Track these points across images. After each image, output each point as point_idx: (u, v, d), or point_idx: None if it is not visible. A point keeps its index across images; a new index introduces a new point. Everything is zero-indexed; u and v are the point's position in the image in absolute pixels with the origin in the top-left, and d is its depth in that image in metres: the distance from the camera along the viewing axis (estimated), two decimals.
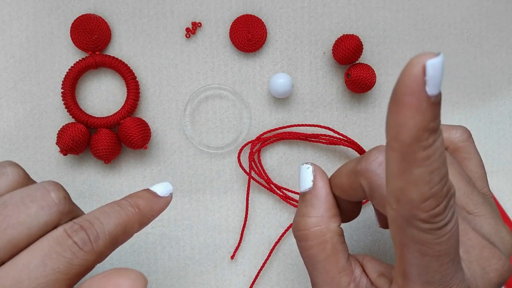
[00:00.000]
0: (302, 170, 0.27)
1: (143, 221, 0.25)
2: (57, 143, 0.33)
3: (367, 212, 0.36)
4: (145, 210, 0.25)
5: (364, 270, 0.26)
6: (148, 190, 0.26)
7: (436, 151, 0.19)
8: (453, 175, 0.26)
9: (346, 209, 0.28)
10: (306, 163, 0.27)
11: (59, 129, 0.34)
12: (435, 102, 0.18)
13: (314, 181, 0.27)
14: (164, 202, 0.26)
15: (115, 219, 0.23)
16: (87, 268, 0.22)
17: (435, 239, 0.20)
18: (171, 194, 0.26)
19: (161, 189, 0.26)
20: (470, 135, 0.29)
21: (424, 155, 0.18)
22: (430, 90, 0.17)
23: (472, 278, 0.23)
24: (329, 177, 0.28)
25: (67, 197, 0.23)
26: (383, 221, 0.28)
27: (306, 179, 0.27)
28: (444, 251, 0.21)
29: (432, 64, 0.17)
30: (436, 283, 0.22)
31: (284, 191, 0.36)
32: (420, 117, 0.18)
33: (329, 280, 0.26)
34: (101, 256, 0.23)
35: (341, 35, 0.35)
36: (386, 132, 0.19)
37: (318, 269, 0.26)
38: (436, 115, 0.18)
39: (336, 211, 0.27)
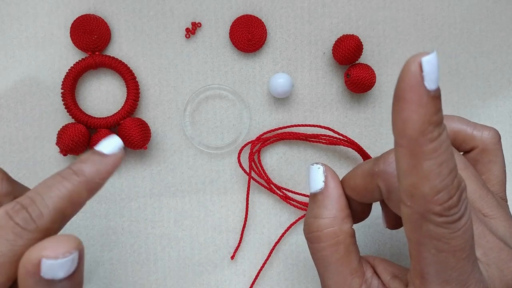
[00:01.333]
0: (313, 170, 0.27)
1: (91, 188, 0.23)
2: (57, 144, 0.33)
3: None
4: (91, 175, 0.23)
5: (375, 272, 0.26)
6: (92, 151, 0.23)
7: (442, 143, 0.20)
8: (469, 178, 0.26)
9: (356, 210, 0.28)
10: (316, 163, 0.27)
11: (59, 129, 0.34)
12: (435, 96, 0.19)
13: (325, 182, 0.26)
14: (113, 160, 0.23)
15: (58, 192, 0.22)
16: None
17: (450, 233, 0.20)
18: (121, 150, 0.24)
19: (107, 146, 0.23)
20: (500, 139, 0.29)
21: (431, 147, 0.19)
22: (429, 84, 0.19)
23: (490, 280, 0.23)
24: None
25: (5, 178, 0.23)
26: (391, 222, 0.28)
27: (317, 179, 0.27)
28: (459, 246, 0.21)
29: (427, 61, 0.19)
30: (454, 282, 0.22)
31: (284, 191, 0.36)
32: (423, 111, 0.19)
33: (341, 282, 0.25)
34: (48, 232, 0.22)
35: (341, 35, 0.35)
36: (393, 130, 0.20)
37: (330, 271, 0.26)
38: (438, 109, 0.19)
39: (349, 212, 0.27)
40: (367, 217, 0.29)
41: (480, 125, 0.29)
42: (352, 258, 0.26)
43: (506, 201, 0.29)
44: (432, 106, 0.19)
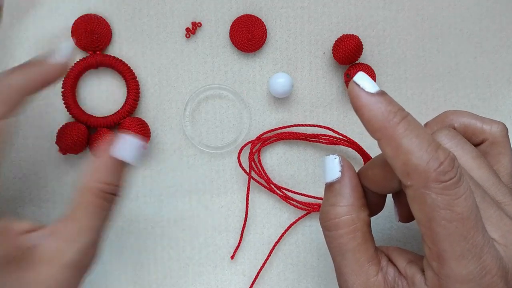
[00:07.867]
0: (328, 160, 0.27)
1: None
2: (56, 142, 0.33)
3: None
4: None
5: (390, 261, 0.27)
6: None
7: (409, 123, 0.23)
8: (481, 168, 0.27)
9: (371, 202, 0.28)
10: (332, 154, 0.28)
11: (59, 128, 0.34)
12: (380, 94, 0.23)
13: (342, 171, 0.27)
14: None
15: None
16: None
17: (453, 200, 0.22)
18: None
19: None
20: (507, 132, 0.30)
21: (402, 127, 0.22)
22: (368, 89, 0.23)
23: (508, 260, 0.24)
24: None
25: None
26: (404, 214, 0.28)
27: (333, 169, 0.27)
28: (465, 213, 0.22)
29: (358, 78, 0.23)
30: (469, 255, 0.22)
31: (284, 191, 0.36)
32: (377, 106, 0.23)
33: (357, 270, 0.26)
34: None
35: (341, 35, 0.35)
36: (369, 133, 0.23)
37: (347, 258, 0.26)
38: (389, 101, 0.23)
39: (365, 201, 0.27)
40: (381, 210, 0.29)
41: (488, 119, 0.30)
42: (369, 246, 0.26)
43: None
44: (382, 101, 0.23)
